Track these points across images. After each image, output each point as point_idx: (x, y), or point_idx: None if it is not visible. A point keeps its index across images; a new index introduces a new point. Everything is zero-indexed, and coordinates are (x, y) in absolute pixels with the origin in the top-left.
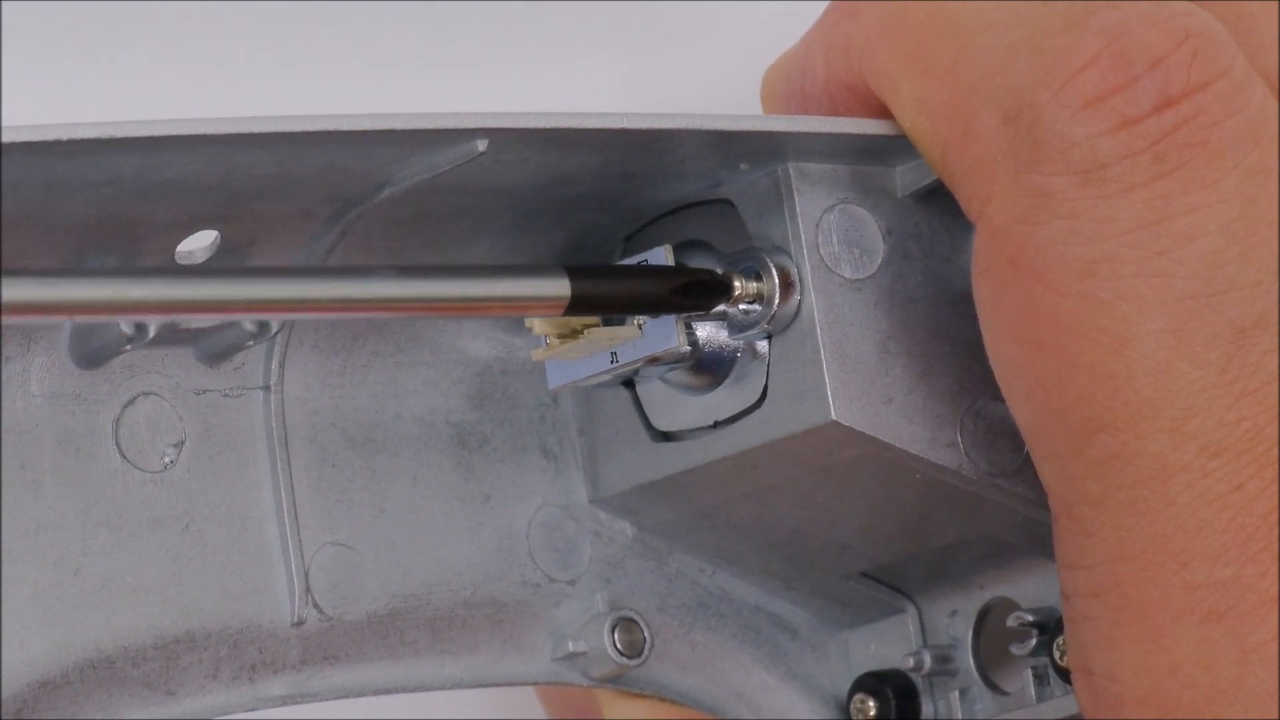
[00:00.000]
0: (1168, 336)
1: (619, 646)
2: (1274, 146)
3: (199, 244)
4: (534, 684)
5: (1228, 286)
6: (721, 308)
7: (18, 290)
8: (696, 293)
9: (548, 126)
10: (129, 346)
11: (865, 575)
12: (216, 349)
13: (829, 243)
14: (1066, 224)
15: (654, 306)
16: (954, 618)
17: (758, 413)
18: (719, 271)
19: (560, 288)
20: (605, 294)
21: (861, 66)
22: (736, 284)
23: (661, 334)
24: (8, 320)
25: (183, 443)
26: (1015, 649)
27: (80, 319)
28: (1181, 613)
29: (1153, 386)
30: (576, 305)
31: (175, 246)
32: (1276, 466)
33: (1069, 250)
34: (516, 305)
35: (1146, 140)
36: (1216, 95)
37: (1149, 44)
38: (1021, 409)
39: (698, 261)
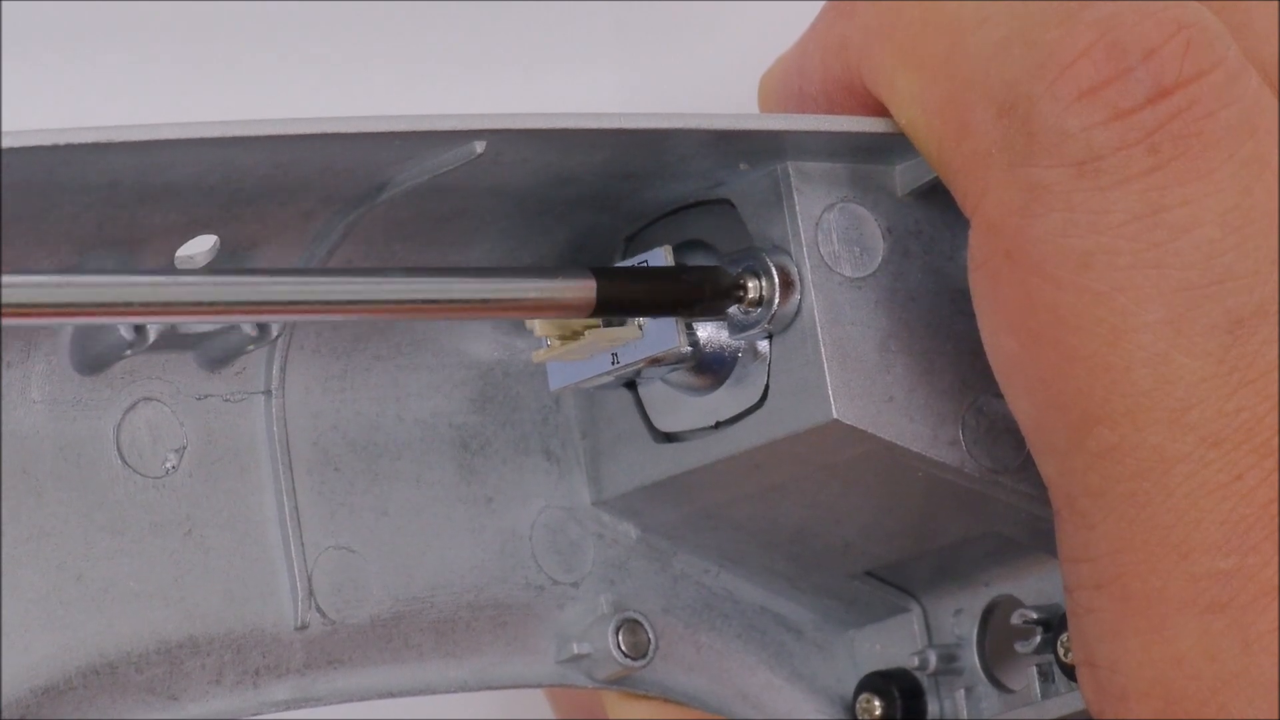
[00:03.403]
0: (1165, 328)
1: (623, 648)
2: (1269, 137)
3: (198, 248)
4: (538, 686)
5: (1224, 277)
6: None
7: (18, 291)
8: (718, 293)
9: (547, 127)
10: (129, 352)
11: (869, 574)
12: (217, 354)
13: (829, 241)
14: (1062, 216)
15: (679, 307)
16: (959, 616)
17: (759, 412)
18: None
19: (586, 289)
20: (631, 295)
21: (858, 65)
22: (750, 285)
23: (662, 335)
24: (8, 323)
25: (184, 448)
26: (1020, 646)
27: (83, 321)
28: (1184, 604)
29: (1151, 378)
30: (603, 307)
31: (175, 250)
32: (1276, 456)
33: (1065, 243)
34: (543, 306)
35: (1141, 132)
36: (1210, 86)
37: (1142, 35)
38: (1020, 403)
39: (698, 262)
